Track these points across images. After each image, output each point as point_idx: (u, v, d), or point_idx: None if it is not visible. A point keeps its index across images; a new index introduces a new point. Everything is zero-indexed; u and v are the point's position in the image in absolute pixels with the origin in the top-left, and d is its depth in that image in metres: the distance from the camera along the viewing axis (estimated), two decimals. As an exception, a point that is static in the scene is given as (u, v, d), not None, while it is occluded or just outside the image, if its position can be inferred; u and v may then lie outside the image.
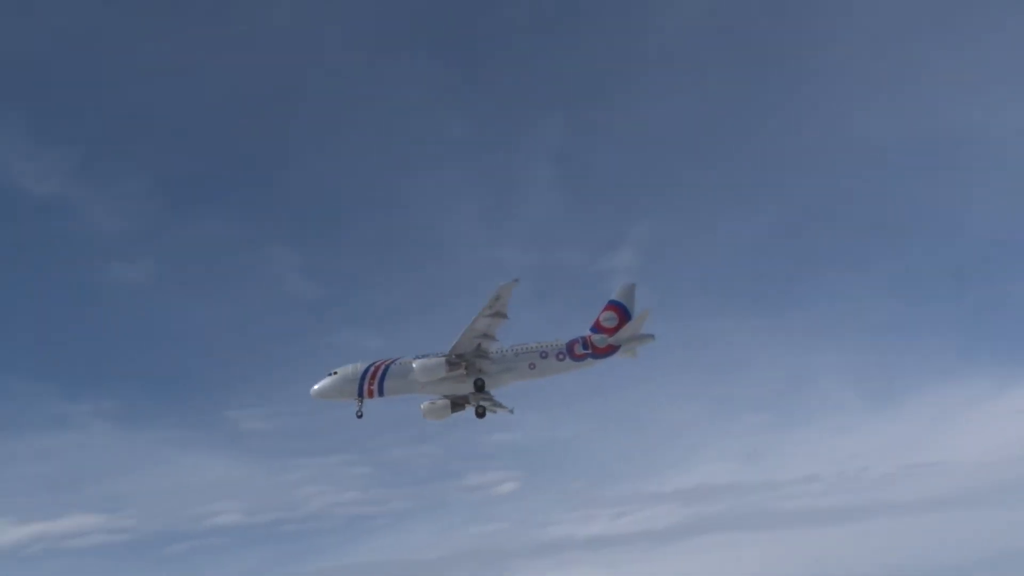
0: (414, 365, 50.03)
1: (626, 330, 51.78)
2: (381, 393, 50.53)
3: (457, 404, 53.24)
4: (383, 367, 50.44)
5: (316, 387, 51.39)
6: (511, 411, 53.96)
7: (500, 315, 48.40)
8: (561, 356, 52.21)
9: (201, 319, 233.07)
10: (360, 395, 50.52)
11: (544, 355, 52.18)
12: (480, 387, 50.93)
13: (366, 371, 50.61)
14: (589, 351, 52.30)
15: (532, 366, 52.05)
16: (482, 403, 53.36)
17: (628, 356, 53.02)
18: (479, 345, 49.71)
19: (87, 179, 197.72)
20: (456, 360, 49.94)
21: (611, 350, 52.33)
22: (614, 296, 53.35)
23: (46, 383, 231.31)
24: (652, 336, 52.45)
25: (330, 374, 50.91)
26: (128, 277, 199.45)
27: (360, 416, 50.67)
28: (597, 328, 52.72)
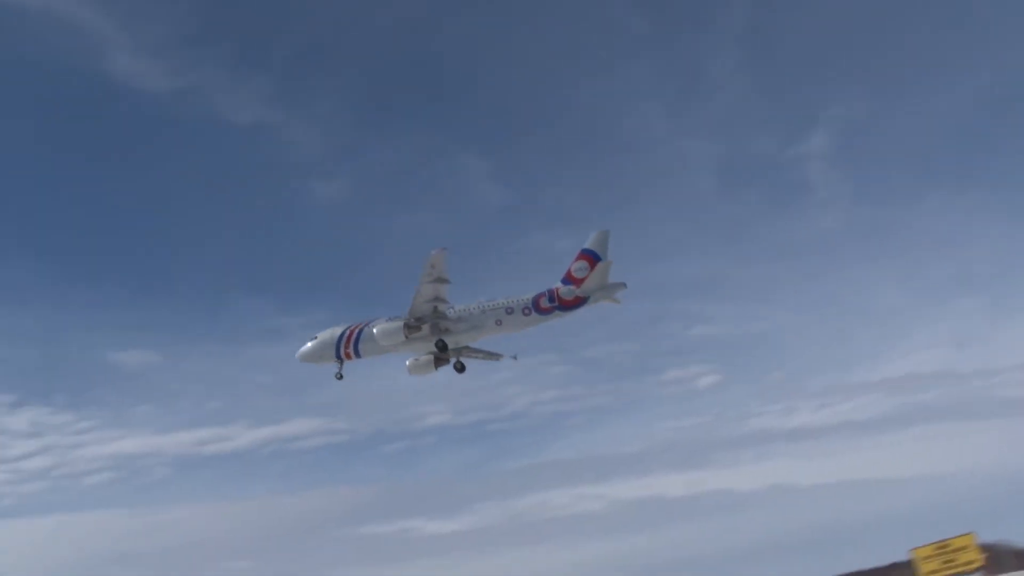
0: (375, 331, 50.80)
1: (591, 281, 50.38)
2: (358, 355, 51.56)
3: (440, 359, 53.04)
4: (356, 331, 51.33)
5: (300, 351, 52.62)
6: (514, 358, 54.23)
7: (442, 280, 48.55)
8: (527, 311, 51.56)
9: (397, 229, 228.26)
10: (339, 358, 51.45)
11: (510, 311, 51.59)
12: (442, 347, 51.00)
13: (342, 335, 51.50)
14: (555, 304, 51.53)
15: (499, 323, 51.76)
16: (463, 359, 53.20)
17: (611, 303, 52.10)
18: (435, 308, 49.83)
19: (283, 104, 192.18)
20: (415, 324, 50.01)
21: (579, 301, 51.42)
22: (587, 244, 51.61)
23: (263, 299, 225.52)
24: (624, 285, 51.25)
25: (312, 339, 51.84)
26: (327, 194, 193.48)
27: (340, 378, 51.37)
28: (568, 279, 51.50)
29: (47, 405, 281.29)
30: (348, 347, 51.43)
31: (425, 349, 51.43)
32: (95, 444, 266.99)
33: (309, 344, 52.30)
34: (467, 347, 52.81)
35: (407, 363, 52.62)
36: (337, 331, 51.67)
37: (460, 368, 53.59)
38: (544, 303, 51.27)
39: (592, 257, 50.70)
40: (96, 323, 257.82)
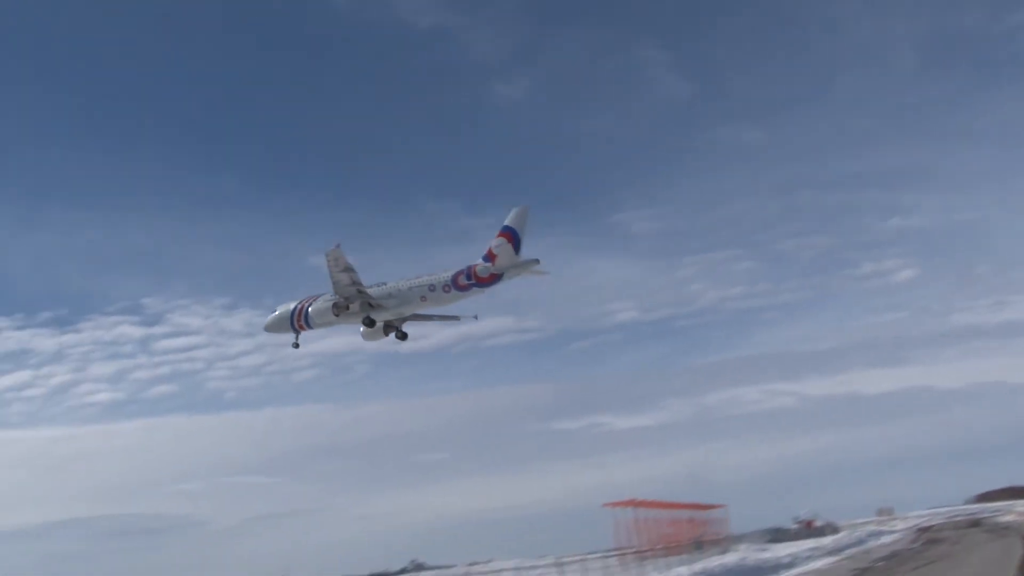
0: (310, 309, 54.16)
1: (502, 259, 50.84)
2: (309, 327, 55.20)
3: (390, 326, 55.56)
4: (306, 306, 54.66)
5: (265, 322, 57.07)
6: (475, 317, 56.16)
7: (349, 271, 50.47)
8: (447, 288, 52.51)
9: (580, 128, 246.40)
10: (294, 329, 55.05)
11: (432, 288, 52.80)
12: (369, 323, 53.43)
13: (294, 309, 55.01)
14: (472, 281, 52.06)
15: (423, 299, 53.11)
16: (411, 323, 56.01)
17: (538, 275, 53.33)
18: (359, 291, 52.07)
19: (462, 7, 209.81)
20: (344, 303, 52.54)
21: (495, 278, 51.76)
22: (506, 221, 51.65)
23: (450, 201, 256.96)
24: (537, 261, 51.39)
25: (273, 311, 56.17)
26: (509, 95, 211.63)
27: (296, 347, 55.58)
28: (488, 256, 51.73)
29: (257, 307, 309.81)
30: (300, 320, 54.74)
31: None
32: (301, 343, 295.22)
33: (271, 316, 56.41)
34: (416, 315, 55.00)
35: (360, 331, 55.14)
36: (291, 305, 55.04)
37: (402, 336, 56.11)
38: (462, 280, 52.09)
39: (511, 234, 50.89)
40: (296, 229, 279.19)
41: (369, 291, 52.51)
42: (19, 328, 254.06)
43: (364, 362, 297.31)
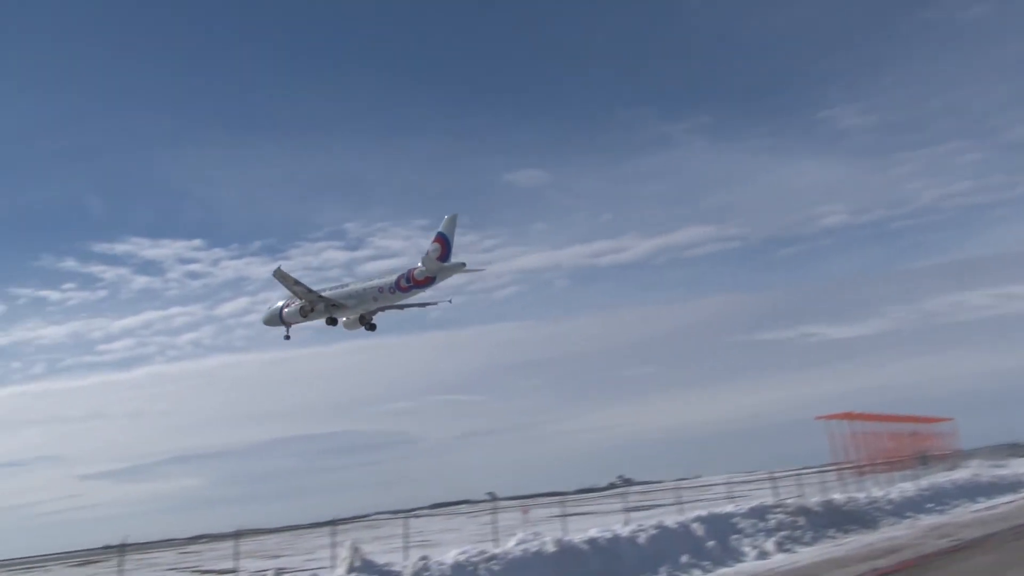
0: (285, 311, 60.14)
1: (430, 265, 55.54)
2: (290, 323, 60.81)
3: (362, 318, 60.83)
4: (283, 307, 60.39)
5: (262, 317, 62.85)
6: (449, 301, 61.16)
7: (298, 284, 56.44)
8: (392, 290, 57.23)
9: (777, 19, 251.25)
10: (284, 324, 60.58)
11: (381, 290, 57.67)
12: (331, 322, 59.35)
13: (280, 307, 60.64)
14: (411, 284, 56.73)
15: (375, 299, 58.14)
16: (373, 320, 61.39)
17: (474, 272, 58.94)
18: (319, 296, 57.75)
19: None
20: (309, 307, 58.27)
21: (429, 281, 56.30)
22: (440, 228, 56.47)
23: (645, 108, 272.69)
24: (463, 264, 55.97)
25: (268, 307, 62.29)
26: None
27: (287, 338, 61.39)
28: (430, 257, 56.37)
29: (456, 225, 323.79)
30: (283, 317, 60.49)
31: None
32: (501, 261, 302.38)
33: (265, 312, 62.49)
34: (388, 306, 59.59)
35: (341, 322, 60.54)
36: (277, 304, 60.82)
37: (371, 327, 61.66)
38: (403, 283, 56.75)
39: (443, 240, 55.48)
40: (491, 146, 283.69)
41: (331, 293, 58.63)
42: (235, 257, 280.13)
43: (564, 277, 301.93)
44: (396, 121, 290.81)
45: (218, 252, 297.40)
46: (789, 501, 38.63)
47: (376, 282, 58.68)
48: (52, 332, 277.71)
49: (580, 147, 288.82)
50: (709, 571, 29.05)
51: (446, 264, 55.59)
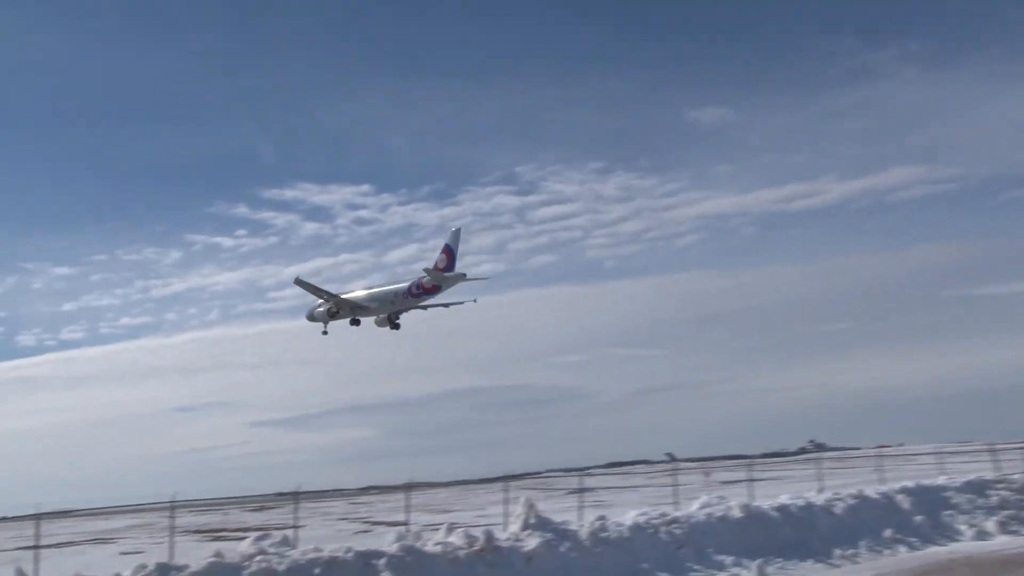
0: (316, 311, 69.05)
1: (435, 276, 63.93)
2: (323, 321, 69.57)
3: (388, 316, 69.03)
4: (317, 307, 68.84)
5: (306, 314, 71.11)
6: (474, 301, 68.04)
7: (321, 290, 66.56)
8: (406, 296, 66.18)
9: None
10: (321, 320, 69.09)
11: (397, 295, 66.37)
12: (356, 323, 68.55)
13: (316, 305, 68.89)
14: (420, 291, 65.30)
15: (393, 302, 66.80)
16: (396, 320, 69.44)
17: (473, 280, 66.41)
18: (341, 299, 67.01)
19: None
20: (335, 309, 67.26)
21: (436, 288, 64.75)
22: (446, 240, 65.29)
23: (844, 35, 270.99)
24: (463, 275, 64.16)
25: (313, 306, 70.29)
26: None
27: (325, 334, 70.13)
28: (435, 267, 64.36)
29: (633, 170, 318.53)
30: (316, 316, 69.19)
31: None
32: (682, 206, 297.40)
33: (308, 311, 70.55)
34: (408, 308, 67.63)
35: (374, 320, 69.05)
36: (317, 302, 68.76)
37: (395, 327, 69.56)
38: (413, 290, 65.60)
39: (448, 250, 64.19)
40: (671, 82, 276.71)
41: (356, 295, 68.21)
42: (403, 203, 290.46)
43: (751, 223, 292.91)
44: (571, 58, 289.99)
45: (386, 198, 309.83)
46: (1015, 477, 36.64)
47: (393, 287, 67.89)
48: (226, 279, 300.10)
49: (770, 81, 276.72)
50: (917, 548, 28.26)
51: (448, 274, 64.22)
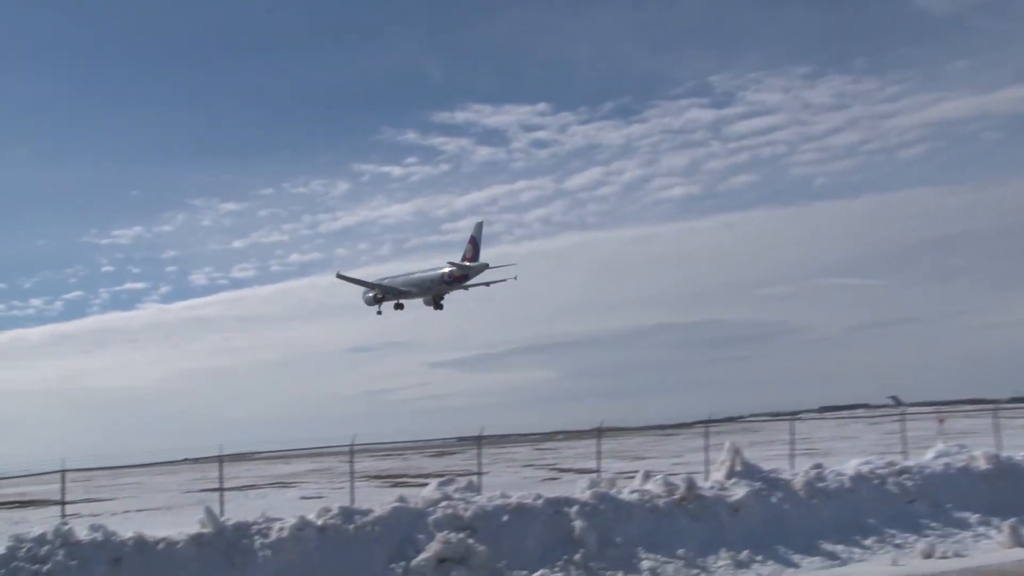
0: (363, 297, 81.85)
1: (462, 265, 74.57)
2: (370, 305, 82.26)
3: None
4: (366, 292, 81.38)
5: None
6: (515, 278, 77.97)
7: (358, 282, 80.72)
8: (440, 283, 76.99)
9: None
10: (370, 305, 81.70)
11: (434, 281, 76.82)
12: (399, 307, 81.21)
13: (365, 292, 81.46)
14: (452, 280, 75.98)
15: (430, 288, 77.74)
16: (440, 301, 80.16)
17: (501, 268, 77.14)
18: (384, 287, 79.25)
19: None
20: (379, 295, 79.54)
21: (464, 278, 75.53)
22: (472, 232, 76.77)
23: None
24: (486, 265, 74.72)
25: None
26: None
27: (379, 313, 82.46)
28: (463, 258, 74.92)
29: (847, 72, 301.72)
30: (365, 301, 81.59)
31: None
32: (907, 112, 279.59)
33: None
34: (448, 291, 78.57)
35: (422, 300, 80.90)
36: (365, 288, 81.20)
37: (438, 307, 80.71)
38: (447, 279, 75.96)
39: (474, 241, 75.29)
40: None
41: (397, 281, 79.54)
42: (584, 122, 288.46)
43: (994, 129, 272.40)
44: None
45: (566, 116, 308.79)
46: None
47: (429, 275, 78.23)
48: (396, 210, 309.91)
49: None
50: None
51: (472, 264, 74.84)
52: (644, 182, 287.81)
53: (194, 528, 20.11)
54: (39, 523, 26.13)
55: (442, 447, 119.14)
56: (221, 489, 26.80)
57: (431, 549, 20.02)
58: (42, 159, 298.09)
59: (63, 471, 25.92)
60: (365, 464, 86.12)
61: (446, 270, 76.53)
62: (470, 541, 20.31)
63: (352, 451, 29.57)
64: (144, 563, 18.65)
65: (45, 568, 17.85)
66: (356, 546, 20.30)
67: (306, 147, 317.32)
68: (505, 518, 21.35)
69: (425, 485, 23.81)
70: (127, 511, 43.02)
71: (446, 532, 20.40)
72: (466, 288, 78.49)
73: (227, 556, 19.35)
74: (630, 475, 26.59)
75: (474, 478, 26.09)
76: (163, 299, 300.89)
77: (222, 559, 19.29)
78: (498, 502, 21.81)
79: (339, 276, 79.12)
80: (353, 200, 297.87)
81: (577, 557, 20.69)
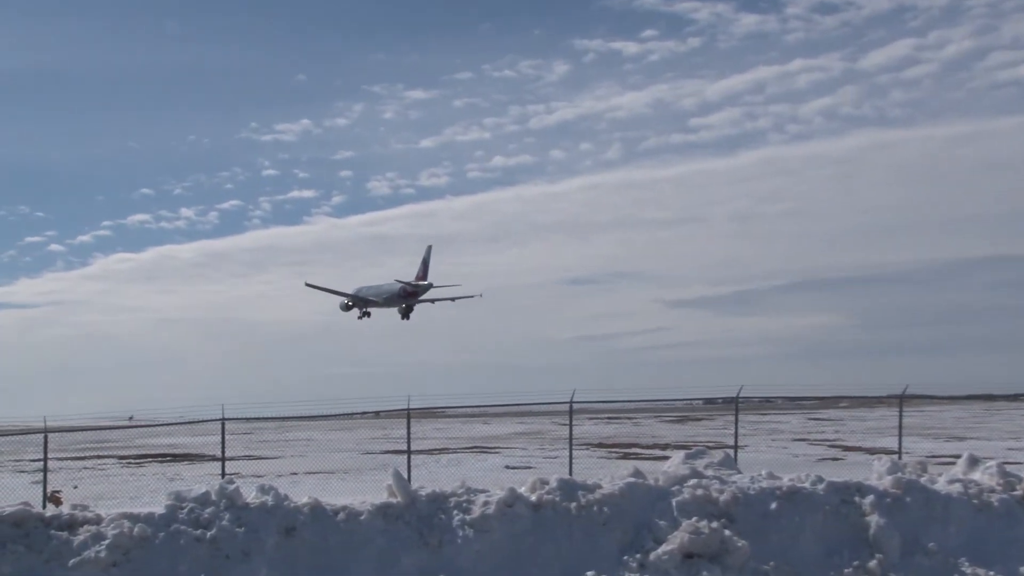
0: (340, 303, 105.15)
1: (411, 284, 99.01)
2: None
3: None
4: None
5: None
6: (480, 295, 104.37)
7: (328, 291, 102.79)
8: (399, 297, 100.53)
9: None
10: (346, 311, 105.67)
11: (393, 294, 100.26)
12: (367, 315, 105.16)
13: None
14: (406, 295, 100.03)
15: (392, 302, 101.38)
16: (409, 312, 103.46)
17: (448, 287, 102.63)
18: (354, 296, 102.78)
19: None
20: (350, 304, 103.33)
21: (415, 294, 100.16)
22: (424, 255, 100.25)
23: None
24: (431, 284, 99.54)
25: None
26: None
27: (360, 319, 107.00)
28: (416, 278, 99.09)
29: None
30: (340, 307, 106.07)
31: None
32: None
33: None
34: (417, 302, 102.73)
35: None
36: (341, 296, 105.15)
37: (407, 317, 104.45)
38: (402, 293, 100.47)
39: (424, 263, 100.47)
40: None
41: (362, 291, 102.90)
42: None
43: None
44: None
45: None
46: None
47: (387, 287, 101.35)
48: (629, 100, 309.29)
49: None
50: None
51: (421, 283, 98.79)
52: (975, 59, 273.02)
53: (380, 496, 21.14)
54: (195, 481, 28.24)
55: (684, 411, 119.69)
56: (409, 452, 28.08)
57: (675, 540, 20.13)
58: (191, 36, 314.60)
59: (223, 419, 27.86)
60: (584, 428, 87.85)
61: (402, 286, 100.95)
62: (726, 533, 20.30)
63: (571, 410, 30.21)
64: (321, 535, 19.79)
65: (209, 534, 19.24)
66: (579, 530, 20.71)
67: (513, 18, 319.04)
68: (773, 506, 21.24)
69: (664, 458, 24.01)
70: (295, 473, 45.70)
71: (695, 519, 20.45)
72: (432, 302, 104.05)
73: (419, 532, 20.19)
74: (947, 460, 25.89)
75: (729, 452, 26.09)
76: (336, 211, 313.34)
77: (414, 536, 20.15)
78: (764, 484, 21.71)
79: (308, 285, 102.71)
80: (573, 87, 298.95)
81: (872, 564, 20.33)
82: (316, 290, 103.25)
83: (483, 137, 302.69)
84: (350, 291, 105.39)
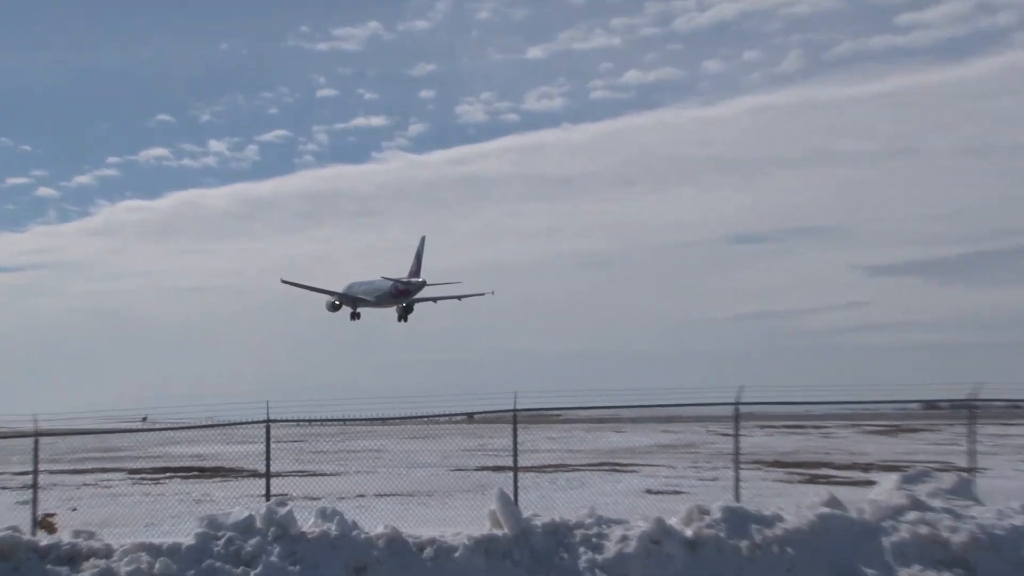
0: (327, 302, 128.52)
1: (403, 281, 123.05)
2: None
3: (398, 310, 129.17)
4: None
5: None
6: (492, 292, 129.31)
7: (309, 288, 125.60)
8: (390, 296, 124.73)
9: None
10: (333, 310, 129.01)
11: (384, 293, 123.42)
12: (357, 316, 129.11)
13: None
14: (398, 293, 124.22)
15: (384, 301, 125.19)
16: (407, 312, 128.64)
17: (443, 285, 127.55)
18: (341, 295, 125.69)
19: None
20: (337, 304, 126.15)
21: (407, 292, 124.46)
22: (417, 248, 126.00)
23: None
24: (424, 282, 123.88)
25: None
26: None
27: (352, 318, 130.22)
28: (409, 274, 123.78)
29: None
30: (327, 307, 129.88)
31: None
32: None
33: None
34: (415, 301, 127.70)
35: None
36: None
37: (404, 319, 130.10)
38: (393, 292, 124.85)
39: (417, 257, 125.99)
40: None
41: (352, 290, 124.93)
42: None
43: None
44: None
45: None
46: None
47: (378, 285, 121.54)
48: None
49: None
50: None
51: (413, 280, 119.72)
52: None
53: (479, 527, 21.24)
54: (231, 503, 28.42)
55: (893, 418, 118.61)
56: (516, 468, 27.97)
57: (894, 594, 20.06)
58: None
59: (267, 421, 27.94)
60: (755, 440, 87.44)
61: (392, 283, 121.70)
62: (965, 588, 20.17)
63: (737, 415, 29.84)
64: (402, 574, 19.94)
65: (254, 573, 19.42)
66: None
67: None
68: (1027, 550, 20.98)
69: (868, 483, 23.77)
70: (362, 495, 45.99)
71: (917, 568, 20.33)
72: (434, 300, 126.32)
73: (531, 573, 20.28)
74: None
75: (965, 475, 25.70)
76: (414, 145, 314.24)
77: (524, 576, 20.29)
78: (1017, 521, 21.45)
79: (284, 282, 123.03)
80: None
81: None
82: (293, 286, 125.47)
83: (611, 44, 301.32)
84: (340, 289, 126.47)
